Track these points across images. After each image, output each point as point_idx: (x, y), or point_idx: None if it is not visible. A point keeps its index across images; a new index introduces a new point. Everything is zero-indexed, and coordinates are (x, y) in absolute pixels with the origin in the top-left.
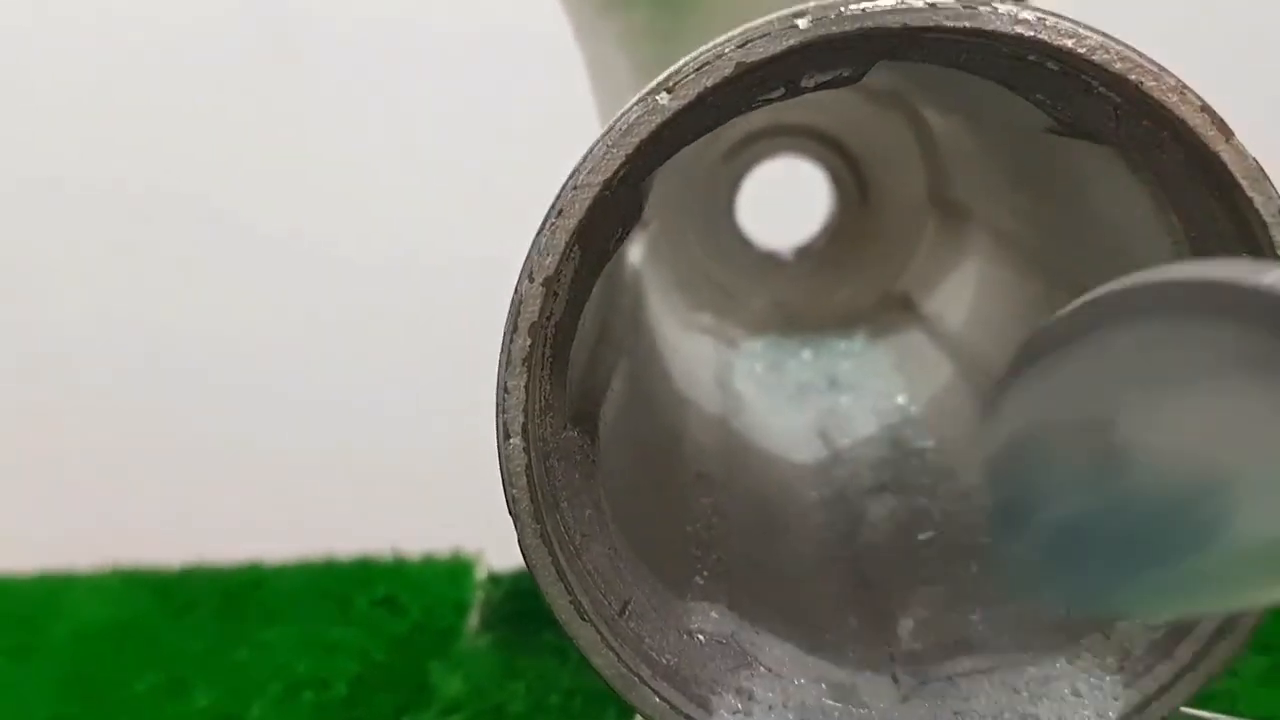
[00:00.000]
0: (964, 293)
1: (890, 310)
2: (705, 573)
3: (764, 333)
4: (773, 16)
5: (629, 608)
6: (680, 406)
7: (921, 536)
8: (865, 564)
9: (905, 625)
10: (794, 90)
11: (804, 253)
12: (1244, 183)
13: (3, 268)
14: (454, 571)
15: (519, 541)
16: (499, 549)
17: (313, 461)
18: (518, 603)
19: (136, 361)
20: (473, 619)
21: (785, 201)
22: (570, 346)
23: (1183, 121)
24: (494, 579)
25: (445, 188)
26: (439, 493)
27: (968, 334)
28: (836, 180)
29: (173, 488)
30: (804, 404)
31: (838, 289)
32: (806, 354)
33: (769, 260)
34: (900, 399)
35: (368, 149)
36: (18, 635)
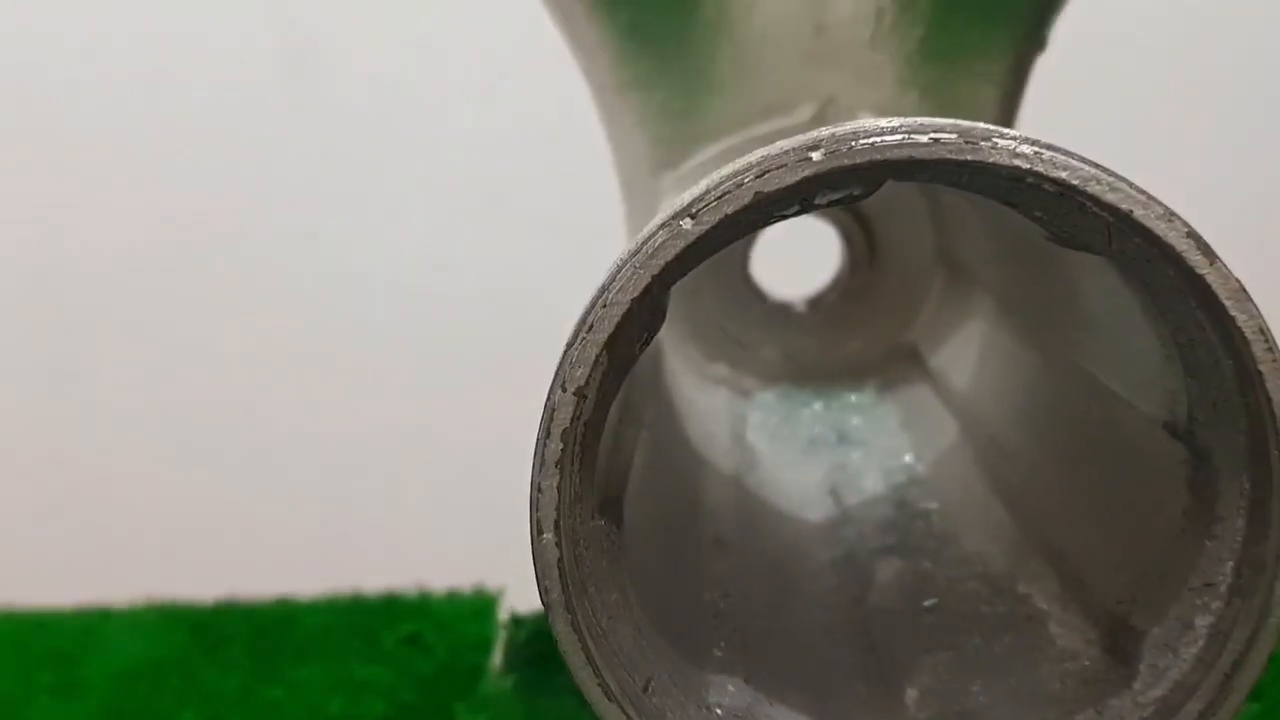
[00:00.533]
0: (968, 352)
1: (899, 362)
2: (723, 643)
3: (776, 384)
4: (788, 146)
5: (651, 684)
6: (698, 468)
7: (926, 603)
8: (874, 628)
9: (911, 694)
10: (808, 207)
11: (815, 304)
12: (1227, 302)
13: (35, 305)
14: (477, 609)
15: (551, 627)
16: (519, 584)
17: (336, 492)
18: (540, 644)
19: (168, 396)
20: (496, 658)
21: (797, 251)
22: (598, 441)
23: (1170, 246)
24: (517, 621)
25: (474, 222)
26: (457, 526)
27: (971, 395)
28: (847, 237)
29: (203, 521)
30: (815, 459)
31: (848, 340)
32: (818, 406)
33: (781, 311)
34: (907, 457)
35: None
36: (60, 672)
